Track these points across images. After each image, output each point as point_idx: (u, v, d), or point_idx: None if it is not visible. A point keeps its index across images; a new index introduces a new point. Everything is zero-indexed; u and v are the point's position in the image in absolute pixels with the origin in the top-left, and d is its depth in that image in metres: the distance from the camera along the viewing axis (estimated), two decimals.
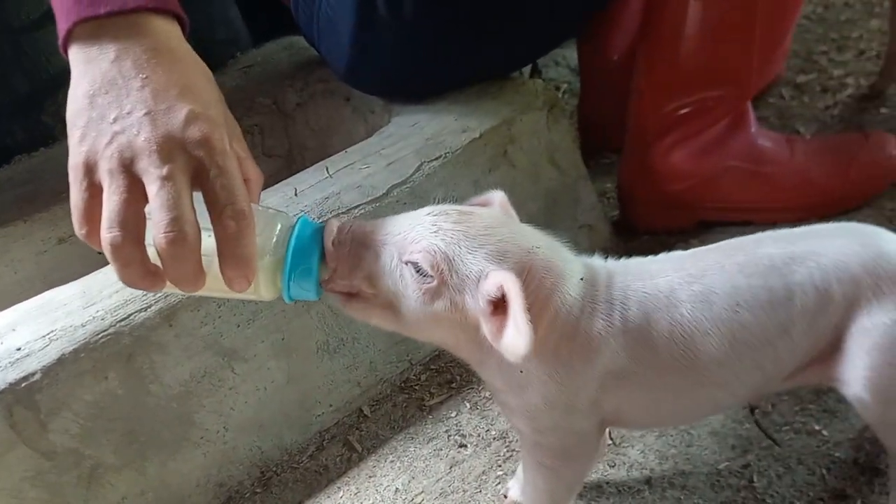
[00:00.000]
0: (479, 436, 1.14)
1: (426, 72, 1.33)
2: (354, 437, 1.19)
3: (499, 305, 0.69)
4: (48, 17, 1.68)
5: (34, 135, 1.74)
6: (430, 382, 1.26)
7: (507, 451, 1.11)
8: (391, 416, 1.22)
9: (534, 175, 1.38)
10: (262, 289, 0.74)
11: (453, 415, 1.19)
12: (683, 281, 0.78)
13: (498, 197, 0.82)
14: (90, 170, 0.67)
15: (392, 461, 1.14)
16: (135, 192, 0.65)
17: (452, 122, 1.32)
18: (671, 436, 1.06)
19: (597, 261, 0.82)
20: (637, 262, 0.83)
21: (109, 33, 0.69)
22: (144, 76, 0.67)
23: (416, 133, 1.31)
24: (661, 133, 1.43)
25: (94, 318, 1.03)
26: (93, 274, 1.12)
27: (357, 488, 1.11)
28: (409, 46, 1.28)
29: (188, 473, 1.13)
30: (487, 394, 1.21)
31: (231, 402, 1.13)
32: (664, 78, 1.39)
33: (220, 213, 0.66)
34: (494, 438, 1.13)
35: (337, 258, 0.74)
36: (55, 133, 1.76)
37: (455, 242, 0.72)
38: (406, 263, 0.72)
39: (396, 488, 1.09)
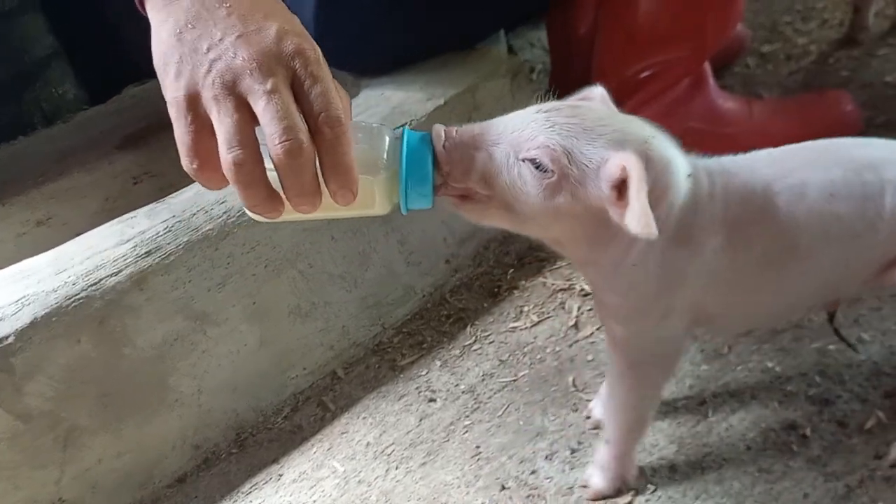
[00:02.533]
0: (447, 391, 1.17)
1: (390, 44, 1.36)
2: (328, 398, 1.22)
3: (623, 191, 0.70)
4: (26, 6, 1.72)
5: (13, 123, 1.77)
6: (402, 344, 1.29)
7: (475, 402, 1.14)
8: (364, 376, 1.25)
9: None
10: (377, 203, 0.74)
11: (424, 373, 1.22)
12: (779, 175, 0.79)
13: (598, 91, 0.81)
14: (193, 102, 0.65)
15: (364, 418, 1.17)
16: (245, 113, 0.64)
17: (418, 90, 1.35)
18: None
19: (696, 159, 0.81)
20: (731, 160, 0.83)
21: None
22: (228, 5, 0.67)
23: (383, 102, 1.33)
24: (623, 97, 1.45)
25: (65, 283, 1.05)
26: (64, 244, 1.14)
27: (330, 444, 1.14)
28: (372, 19, 1.31)
29: (164, 436, 1.15)
30: (457, 351, 1.24)
31: (205, 365, 1.16)
32: (623, 43, 1.42)
33: (315, 120, 0.65)
34: (463, 392, 1.16)
35: (450, 161, 0.73)
36: (34, 121, 1.79)
37: (573, 135, 0.71)
38: (524, 161, 0.72)
39: (368, 442, 1.12)
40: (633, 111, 1.47)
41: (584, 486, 0.96)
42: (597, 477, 0.95)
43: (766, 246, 0.79)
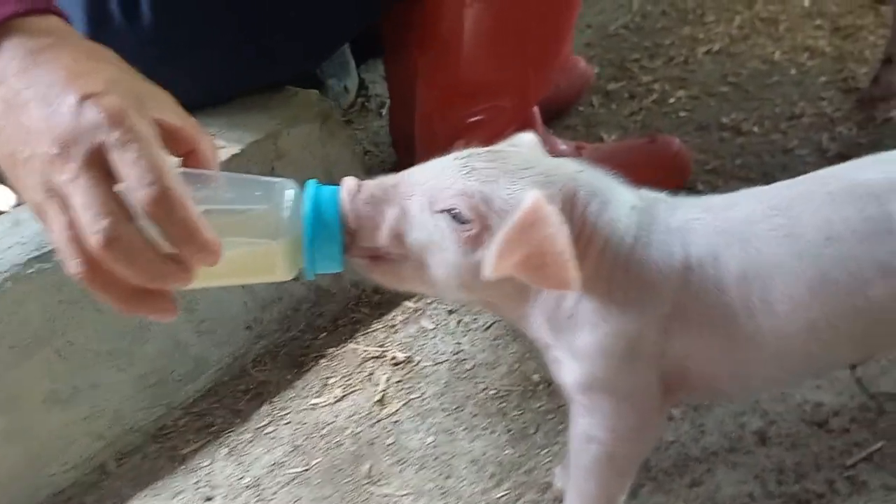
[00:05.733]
0: (229, 486, 1.02)
1: (180, 83, 1.19)
2: (93, 498, 1.05)
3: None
4: None
5: None
6: (188, 428, 1.13)
7: (257, 500, 0.99)
8: (139, 469, 1.08)
9: None
10: (279, 268, 0.66)
11: (206, 463, 1.07)
12: (764, 214, 0.68)
13: (527, 138, 0.75)
14: (41, 209, 0.60)
15: None
16: (67, 209, 0.58)
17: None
18: (431, 469, 0.97)
19: (661, 194, 0.74)
20: (712, 196, 0.74)
21: None
22: (27, 85, 0.60)
23: None
24: (454, 139, 1.37)
25: None
26: None
27: None
28: (154, 56, 1.13)
29: None
30: (248, 435, 1.10)
31: None
32: (445, 90, 1.34)
33: (136, 193, 0.57)
34: (246, 487, 1.02)
35: (358, 219, 0.66)
36: None
37: (492, 180, 0.65)
38: (440, 212, 0.65)
39: None
40: None
41: None
42: None
43: (744, 295, 0.67)
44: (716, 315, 0.68)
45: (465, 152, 0.70)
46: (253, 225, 0.66)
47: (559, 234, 0.62)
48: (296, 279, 0.70)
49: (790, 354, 0.70)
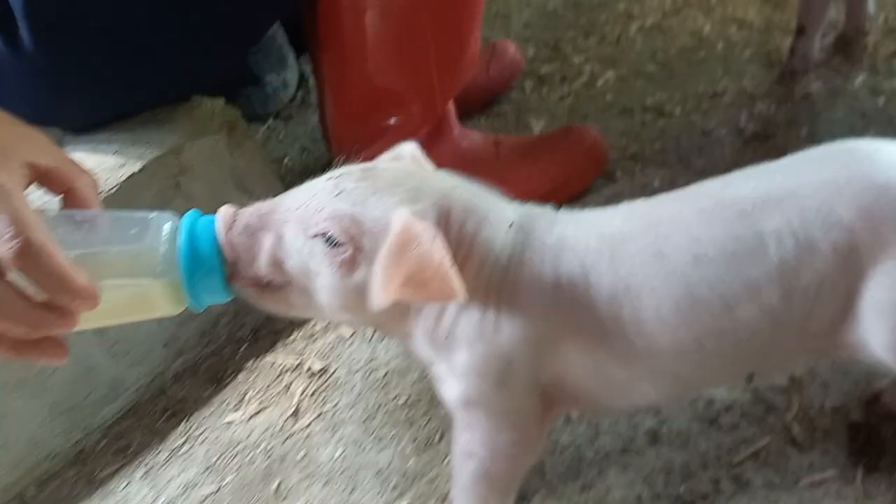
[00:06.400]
0: None
1: (72, 104, 1.18)
2: None
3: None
4: None
5: None
6: (106, 450, 1.13)
7: None
8: (57, 496, 1.08)
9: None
10: (162, 305, 0.66)
11: (123, 486, 1.07)
12: (634, 231, 0.68)
13: (409, 149, 0.75)
14: None
15: None
16: None
17: (112, 155, 1.19)
18: (337, 483, 0.98)
19: (541, 209, 0.73)
20: (591, 211, 0.73)
21: None
22: None
23: None
24: (367, 142, 1.35)
25: None
26: None
27: None
28: (39, 79, 1.13)
29: None
30: (164, 455, 1.10)
31: None
32: (352, 93, 1.32)
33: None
34: None
35: (234, 249, 0.66)
36: None
37: (361, 201, 0.65)
38: (314, 237, 0.65)
39: None
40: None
41: None
42: None
43: (613, 313, 0.66)
44: (588, 335, 0.68)
45: (338, 171, 0.69)
46: (131, 264, 0.66)
47: (434, 248, 0.62)
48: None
49: (664, 375, 0.70)
